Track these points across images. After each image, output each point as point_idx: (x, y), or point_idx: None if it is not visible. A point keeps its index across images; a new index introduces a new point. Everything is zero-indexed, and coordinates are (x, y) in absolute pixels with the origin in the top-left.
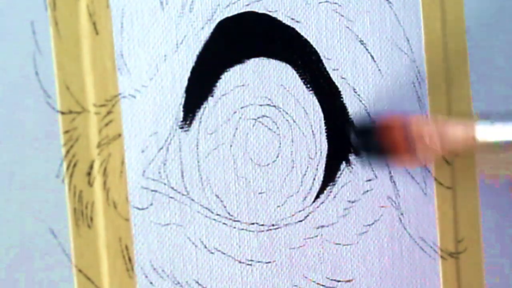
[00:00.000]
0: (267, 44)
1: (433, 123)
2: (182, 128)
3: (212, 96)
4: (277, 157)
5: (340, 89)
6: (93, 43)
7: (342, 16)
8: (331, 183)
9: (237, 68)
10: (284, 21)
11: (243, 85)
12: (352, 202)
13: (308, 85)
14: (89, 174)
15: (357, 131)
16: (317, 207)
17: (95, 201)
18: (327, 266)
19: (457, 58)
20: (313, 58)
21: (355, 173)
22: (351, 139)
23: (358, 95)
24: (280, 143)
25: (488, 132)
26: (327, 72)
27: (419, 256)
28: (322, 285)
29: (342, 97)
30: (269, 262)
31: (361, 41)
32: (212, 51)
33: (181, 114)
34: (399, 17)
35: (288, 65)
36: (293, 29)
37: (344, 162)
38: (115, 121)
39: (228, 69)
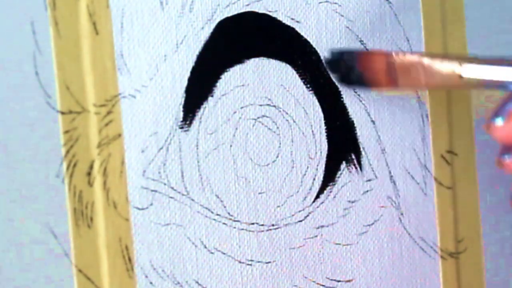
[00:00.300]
0: (267, 44)
1: (418, 56)
2: (182, 128)
3: (212, 96)
4: (277, 157)
5: (340, 89)
6: (93, 43)
7: (342, 16)
8: (331, 183)
9: (237, 68)
10: (284, 21)
11: (243, 85)
12: (352, 202)
13: (308, 85)
14: (89, 174)
15: (337, 59)
16: (317, 207)
17: (95, 201)
18: (327, 266)
19: None
20: (313, 58)
21: (355, 173)
22: (330, 66)
23: (358, 95)
24: (280, 143)
25: (473, 70)
26: (327, 72)
27: (419, 256)
28: (322, 285)
29: (342, 97)
30: (269, 262)
31: (361, 41)
32: (212, 51)
33: (181, 114)
34: (399, 17)
35: (288, 65)
36: (293, 29)
37: (344, 162)
38: (115, 121)
39: (228, 69)
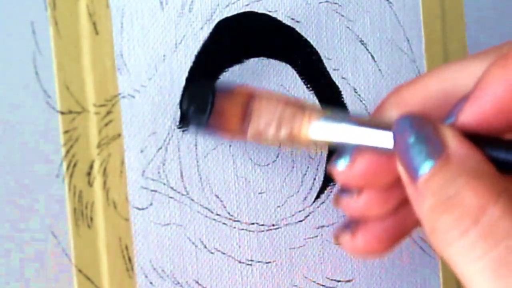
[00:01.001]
0: (267, 44)
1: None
2: (180, 128)
3: None
4: (277, 157)
5: (341, 89)
6: (93, 43)
7: (342, 16)
8: (331, 183)
9: (236, 68)
10: (284, 21)
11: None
12: None
13: (308, 85)
14: (89, 174)
15: (192, 93)
16: (317, 207)
17: (95, 201)
18: (327, 266)
19: (457, 58)
20: (313, 58)
21: None
22: (183, 102)
23: (359, 95)
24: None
25: (320, 130)
26: (327, 72)
27: (419, 256)
28: (322, 285)
29: (342, 97)
30: (269, 262)
31: (361, 41)
32: (211, 51)
33: (180, 114)
34: (399, 17)
35: (288, 65)
36: (293, 29)
37: None
38: (114, 121)
39: (227, 69)
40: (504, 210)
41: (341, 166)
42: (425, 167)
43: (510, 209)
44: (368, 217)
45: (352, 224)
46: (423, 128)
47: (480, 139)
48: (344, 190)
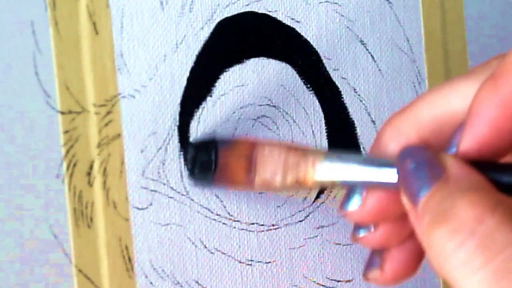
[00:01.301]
0: (267, 44)
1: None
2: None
3: (211, 96)
4: None
5: (340, 89)
6: (93, 43)
7: (342, 16)
8: None
9: (236, 68)
10: (284, 21)
11: (242, 85)
12: None
13: (308, 85)
14: (89, 174)
15: (194, 153)
16: (317, 207)
17: (95, 201)
18: (327, 266)
19: (457, 58)
20: (313, 58)
21: None
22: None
23: (359, 95)
24: None
25: (325, 172)
26: (327, 72)
27: None
28: (322, 285)
29: (342, 97)
30: (269, 262)
31: (361, 41)
32: (211, 51)
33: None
34: (399, 17)
35: (288, 65)
36: (293, 29)
37: None
38: (114, 121)
39: (227, 69)
40: (501, 221)
41: (353, 207)
42: (425, 191)
43: (507, 219)
44: (389, 246)
45: (376, 258)
46: (423, 157)
47: (481, 164)
48: (360, 226)
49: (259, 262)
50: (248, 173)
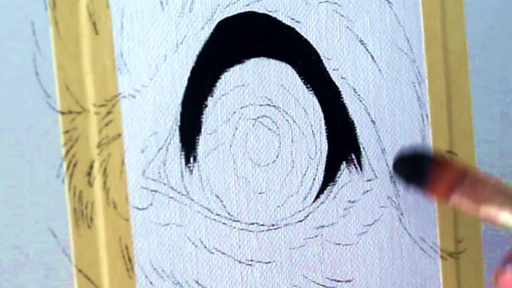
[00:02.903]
0: (267, 44)
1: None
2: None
3: (211, 96)
4: (277, 157)
5: (340, 89)
6: (93, 43)
7: (342, 16)
8: (331, 183)
9: (237, 68)
10: (284, 21)
11: (243, 85)
12: (352, 202)
13: (308, 85)
14: (89, 174)
15: (415, 157)
16: (317, 207)
17: (95, 201)
18: (327, 266)
19: (457, 58)
20: (313, 58)
21: (355, 173)
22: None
23: (358, 95)
24: (280, 143)
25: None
26: (327, 72)
27: (419, 256)
28: (322, 285)
29: (342, 97)
30: (269, 262)
31: (361, 41)
32: (212, 51)
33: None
34: (399, 17)
35: (288, 65)
36: (293, 29)
37: (344, 162)
38: (115, 121)
39: (228, 69)
40: None
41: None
42: None
43: None
44: None
45: None
46: None
47: None
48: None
49: (259, 262)
50: (450, 191)
